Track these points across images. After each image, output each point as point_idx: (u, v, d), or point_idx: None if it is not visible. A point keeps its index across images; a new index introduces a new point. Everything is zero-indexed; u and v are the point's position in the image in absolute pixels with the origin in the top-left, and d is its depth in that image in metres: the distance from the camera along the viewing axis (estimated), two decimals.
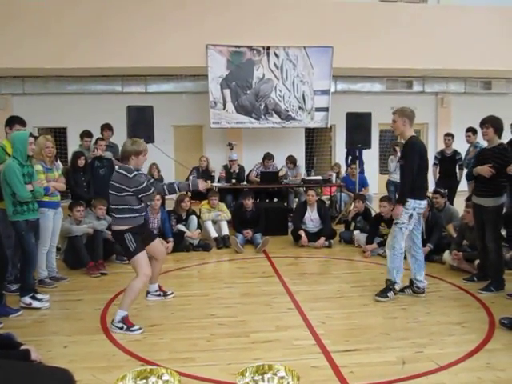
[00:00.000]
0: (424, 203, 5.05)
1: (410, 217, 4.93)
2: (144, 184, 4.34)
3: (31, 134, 4.93)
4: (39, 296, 5.06)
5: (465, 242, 6.19)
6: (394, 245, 5.01)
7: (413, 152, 4.92)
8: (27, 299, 4.84)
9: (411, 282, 5.19)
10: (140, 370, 2.03)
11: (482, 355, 3.69)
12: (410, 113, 5.04)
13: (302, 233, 7.60)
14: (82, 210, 6.39)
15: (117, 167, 4.92)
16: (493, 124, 5.14)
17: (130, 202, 4.34)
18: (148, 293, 5.12)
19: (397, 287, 5.11)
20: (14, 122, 5.52)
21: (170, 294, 5.22)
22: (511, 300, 4.92)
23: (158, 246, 4.96)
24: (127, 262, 6.59)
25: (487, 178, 5.10)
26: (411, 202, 4.90)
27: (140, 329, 4.25)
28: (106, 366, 3.53)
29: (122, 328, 4.23)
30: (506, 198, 5.17)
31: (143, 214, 4.61)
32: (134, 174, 4.31)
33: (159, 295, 5.16)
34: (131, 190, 4.30)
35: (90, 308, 4.87)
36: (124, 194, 4.31)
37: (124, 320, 4.27)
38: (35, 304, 4.86)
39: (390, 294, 5.06)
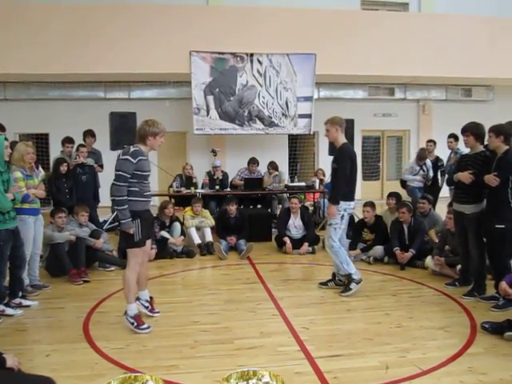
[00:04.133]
0: (353, 204, 5.45)
1: (342, 217, 5.38)
2: (123, 172, 4.18)
3: (5, 139, 4.79)
4: (27, 302, 5.03)
5: (447, 248, 6.24)
6: (332, 243, 5.44)
7: (345, 157, 5.35)
8: (0, 306, 4.75)
9: (334, 275, 5.68)
10: (124, 378, 2.01)
11: (464, 359, 3.73)
12: (340, 120, 5.47)
13: (286, 239, 7.60)
14: (64, 216, 6.31)
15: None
16: (473, 132, 5.16)
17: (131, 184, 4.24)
18: (138, 299, 4.73)
19: (355, 277, 5.43)
20: None
21: (157, 312, 4.81)
22: (487, 303, 4.98)
23: (148, 246, 4.76)
24: (110, 269, 6.59)
25: (467, 185, 5.12)
26: (342, 204, 5.32)
27: (148, 327, 4.34)
28: (88, 375, 3.49)
29: (132, 324, 4.34)
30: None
31: (149, 199, 4.47)
32: (125, 157, 4.20)
33: (147, 307, 4.78)
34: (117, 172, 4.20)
35: (72, 316, 4.80)
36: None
37: (135, 318, 4.36)
38: (8, 311, 4.76)
39: (353, 285, 5.41)
